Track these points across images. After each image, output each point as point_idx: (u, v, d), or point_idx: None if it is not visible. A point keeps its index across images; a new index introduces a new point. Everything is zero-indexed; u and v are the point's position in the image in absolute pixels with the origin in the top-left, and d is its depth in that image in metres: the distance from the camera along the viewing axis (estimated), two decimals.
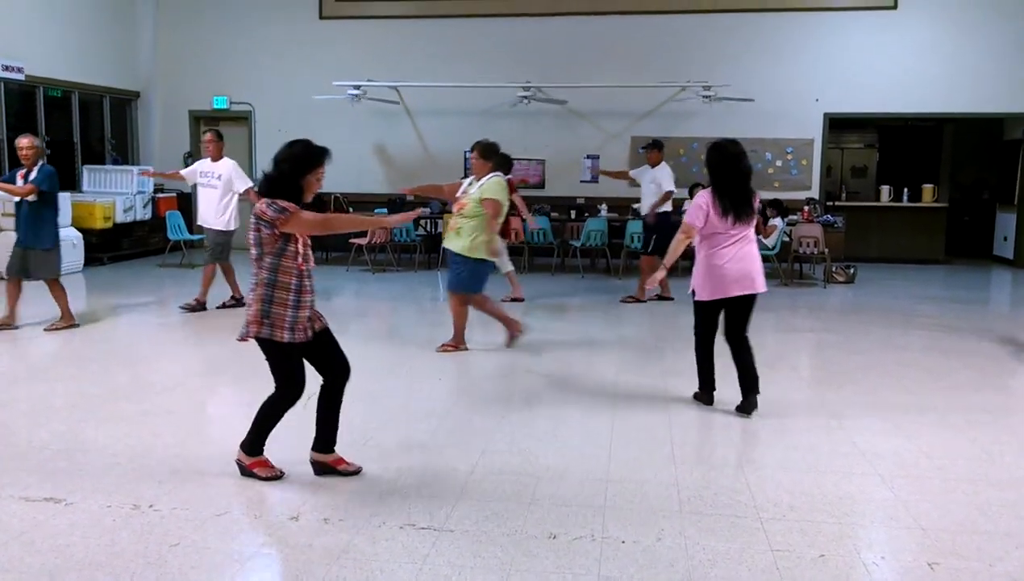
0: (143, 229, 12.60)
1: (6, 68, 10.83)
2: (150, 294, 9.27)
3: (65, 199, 10.82)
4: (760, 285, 4.96)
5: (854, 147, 14.59)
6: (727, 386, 5.13)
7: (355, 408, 5.08)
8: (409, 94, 13.09)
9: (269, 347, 3.78)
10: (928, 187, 13.10)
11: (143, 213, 12.43)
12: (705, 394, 5.24)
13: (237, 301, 8.19)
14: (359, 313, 8.73)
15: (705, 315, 5.09)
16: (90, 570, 3.02)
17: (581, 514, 3.55)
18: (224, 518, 3.48)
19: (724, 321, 5.08)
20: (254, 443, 3.91)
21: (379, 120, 13.08)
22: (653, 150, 9.43)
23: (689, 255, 5.30)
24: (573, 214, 12.23)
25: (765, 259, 10.95)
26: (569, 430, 4.71)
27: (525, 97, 12.23)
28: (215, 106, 13.65)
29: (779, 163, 12.63)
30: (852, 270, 10.94)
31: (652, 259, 8.90)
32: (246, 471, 3.90)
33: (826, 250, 10.63)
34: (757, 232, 10.88)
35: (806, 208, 11.48)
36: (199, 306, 8.12)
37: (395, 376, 5.93)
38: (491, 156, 6.38)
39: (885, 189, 13.31)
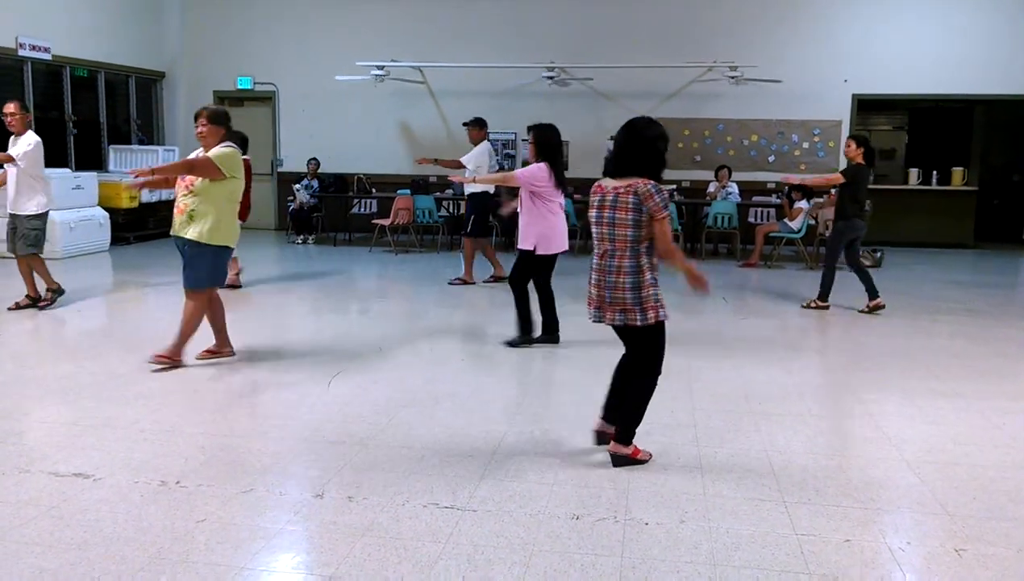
0: (168, 209, 12.59)
1: (33, 48, 10.91)
2: (175, 273, 9.34)
3: (92, 178, 10.95)
4: None
5: (883, 129, 14.39)
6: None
7: (379, 387, 5.11)
8: (432, 74, 13.06)
9: (656, 330, 3.81)
10: (958, 170, 12.90)
11: (169, 193, 12.52)
12: (554, 335, 6.19)
13: (32, 301, 7.28)
14: (380, 293, 8.75)
15: (548, 267, 6.13)
16: (118, 544, 3.05)
17: (604, 496, 3.54)
18: (249, 495, 3.51)
19: (523, 271, 6.16)
20: (631, 432, 3.90)
21: (402, 100, 13.07)
22: (473, 127, 8.84)
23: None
24: None
25: (791, 242, 10.97)
26: (592, 411, 4.69)
27: (550, 77, 12.16)
28: (239, 86, 13.70)
29: (806, 145, 12.50)
30: (879, 254, 10.81)
31: (472, 241, 8.88)
32: (629, 460, 3.88)
33: None
34: (782, 215, 10.88)
35: (832, 191, 11.32)
36: (57, 293, 7.40)
37: (417, 356, 5.95)
38: (221, 121, 5.45)
39: (914, 172, 13.12)
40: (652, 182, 3.70)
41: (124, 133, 13.10)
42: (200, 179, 5.31)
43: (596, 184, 3.91)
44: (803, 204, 10.54)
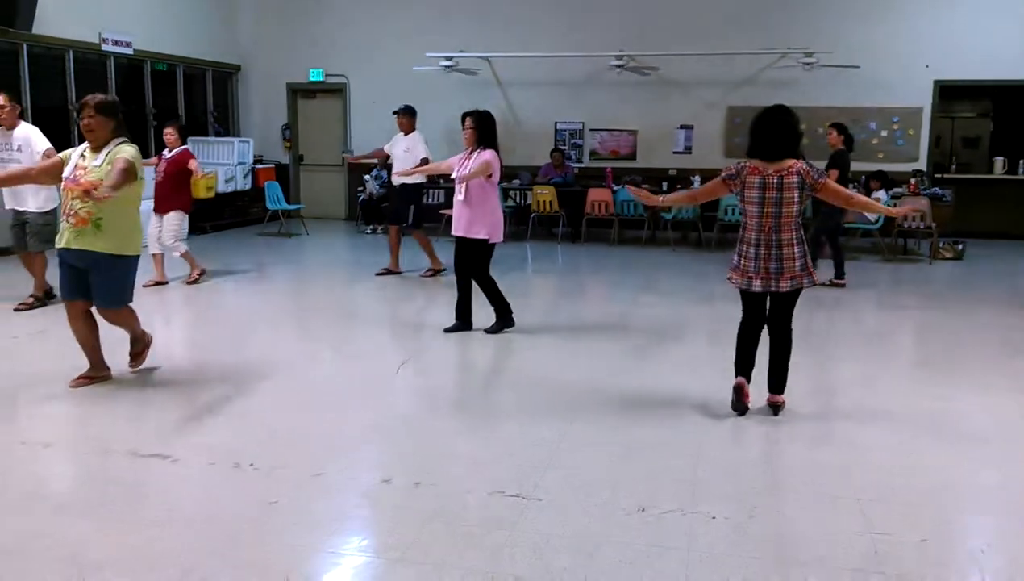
0: (243, 199, 13.00)
1: (116, 42, 11.29)
2: (249, 262, 9.58)
3: None
4: None
5: (966, 116, 13.85)
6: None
7: (446, 375, 5.16)
8: (500, 64, 13.05)
9: (799, 294, 4.31)
10: None
11: (243, 184, 12.83)
12: (510, 320, 6.15)
13: (39, 299, 6.80)
14: (448, 283, 8.80)
15: (491, 256, 6.12)
16: (196, 523, 3.15)
17: (671, 488, 3.51)
18: (320, 479, 3.58)
19: (470, 261, 6.12)
20: (784, 383, 4.43)
21: (470, 91, 13.08)
22: (404, 116, 8.68)
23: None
24: (665, 186, 12.03)
25: (868, 234, 10.67)
26: (658, 403, 4.66)
27: (618, 66, 12.04)
28: (311, 79, 13.93)
29: (884, 133, 12.10)
30: (960, 246, 10.42)
31: (419, 232, 8.65)
32: (782, 408, 4.42)
33: (933, 225, 10.16)
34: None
35: (912, 180, 10.97)
36: (42, 300, 6.82)
37: (483, 346, 5.97)
38: (112, 112, 4.63)
39: (999, 160, 12.58)
40: (803, 161, 4.19)
41: (201, 125, 13.46)
42: (105, 178, 4.43)
43: (750, 167, 4.18)
44: (881, 194, 10.22)
